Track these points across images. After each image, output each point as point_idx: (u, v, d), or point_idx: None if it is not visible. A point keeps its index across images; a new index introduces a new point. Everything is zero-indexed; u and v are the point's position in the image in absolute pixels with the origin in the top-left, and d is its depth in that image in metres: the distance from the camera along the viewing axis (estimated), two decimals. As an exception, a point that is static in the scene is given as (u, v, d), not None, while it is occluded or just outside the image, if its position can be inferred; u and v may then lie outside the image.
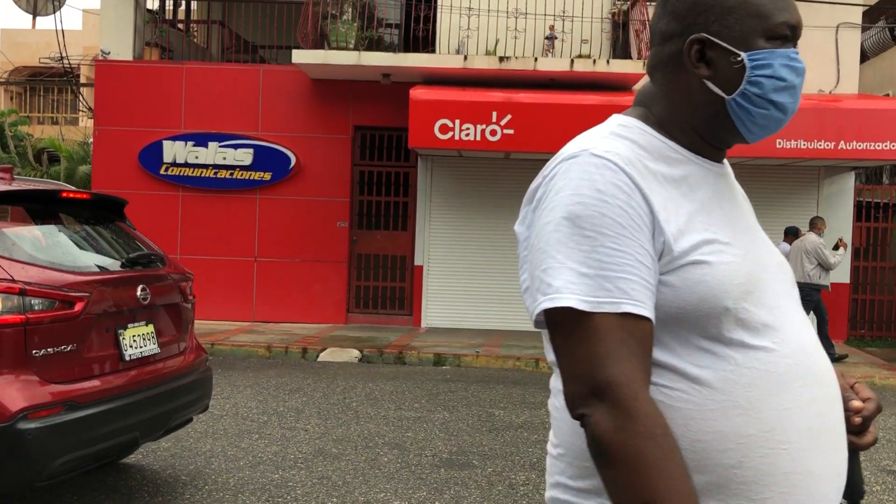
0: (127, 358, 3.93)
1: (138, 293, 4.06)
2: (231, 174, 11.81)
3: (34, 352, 3.42)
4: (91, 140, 13.29)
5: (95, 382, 3.71)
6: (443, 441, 5.78)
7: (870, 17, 15.67)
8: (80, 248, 4.26)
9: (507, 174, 11.85)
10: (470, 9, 10.99)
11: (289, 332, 11.02)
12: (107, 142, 11.99)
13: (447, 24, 11.15)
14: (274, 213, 11.90)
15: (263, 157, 11.79)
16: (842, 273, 11.58)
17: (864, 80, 13.88)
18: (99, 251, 4.35)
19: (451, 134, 10.27)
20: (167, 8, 13.80)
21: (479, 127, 10.20)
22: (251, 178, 11.81)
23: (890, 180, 13.97)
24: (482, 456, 5.42)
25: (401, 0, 12.01)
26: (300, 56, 10.88)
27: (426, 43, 11.47)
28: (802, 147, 10.02)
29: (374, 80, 11.51)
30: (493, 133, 10.21)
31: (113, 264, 4.24)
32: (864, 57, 15.17)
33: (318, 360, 9.53)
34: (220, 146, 11.80)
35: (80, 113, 21.09)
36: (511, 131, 10.19)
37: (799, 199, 11.69)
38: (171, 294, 4.46)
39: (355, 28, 11.19)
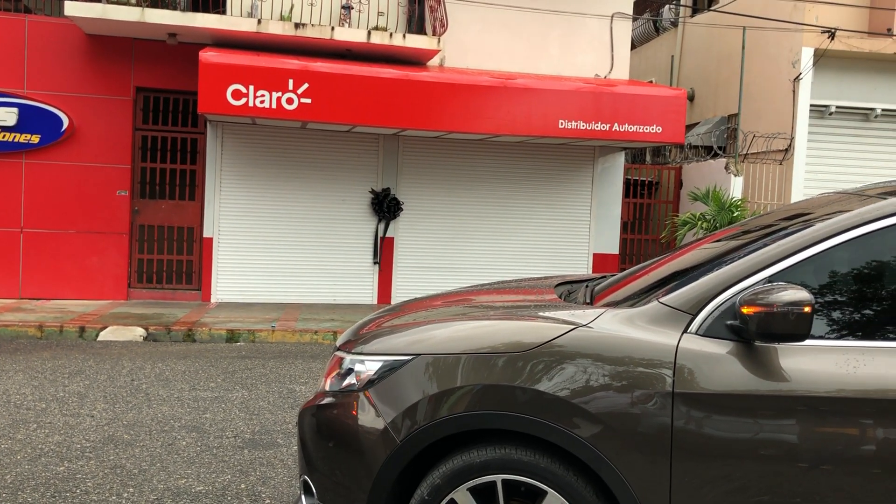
0: None
1: None
2: (-10, 135, 10.57)
3: None
4: None
5: None
6: (244, 421, 5.63)
7: (638, 9, 17.04)
8: None
9: (303, 144, 11.63)
10: (264, -29, 10.57)
11: (63, 309, 10.14)
12: None
13: (239, -15, 10.66)
14: (44, 179, 10.83)
15: (30, 118, 10.66)
16: (612, 244, 12.64)
17: (632, 67, 15.11)
18: None
19: (244, 100, 9.85)
20: None
21: (275, 94, 9.89)
22: (16, 140, 10.64)
23: (652, 160, 15.40)
24: (287, 434, 5.34)
25: (188, -45, 11.28)
26: (73, 8, 9.91)
27: (217, 2, 10.90)
28: (582, 128, 10.73)
29: (159, 39, 10.77)
30: (290, 101, 9.94)
31: None
32: (632, 46, 16.51)
33: (99, 339, 8.87)
34: (-23, 103, 10.51)
35: None
36: (308, 100, 9.98)
37: (576, 175, 12.55)
38: None
39: (137, -19, 10.38)
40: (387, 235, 11.89)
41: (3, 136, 10.59)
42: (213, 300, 11.40)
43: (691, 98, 15.62)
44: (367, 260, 11.88)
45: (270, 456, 4.87)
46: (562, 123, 10.67)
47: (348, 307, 11.35)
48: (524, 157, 12.31)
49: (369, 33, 10.58)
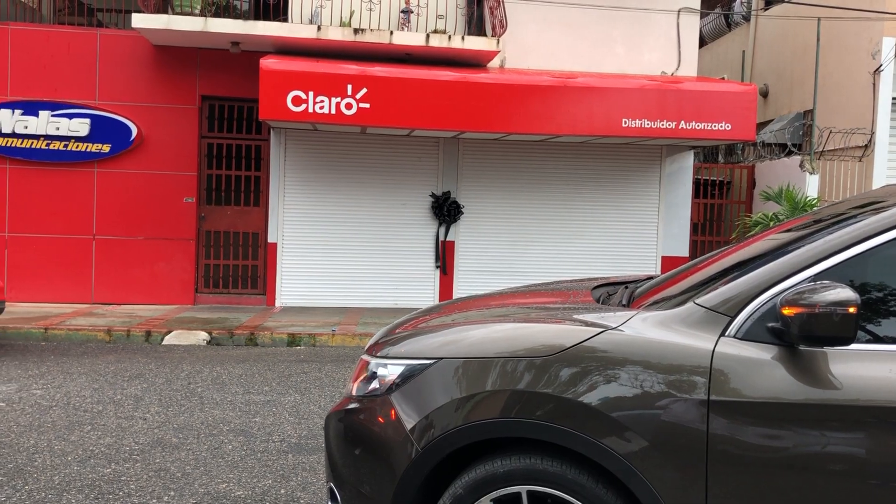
0: None
1: None
2: (65, 146, 10.95)
3: None
4: None
5: None
6: (292, 425, 5.61)
7: (708, 3, 16.54)
8: None
9: (363, 149, 11.67)
10: (323, -22, 10.65)
11: (132, 314, 10.41)
12: (-82, 108, 10.81)
13: (300, -8, 10.77)
14: (114, 187, 11.16)
15: (102, 128, 11.01)
16: (681, 246, 12.24)
17: (702, 64, 14.66)
18: None
19: (304, 106, 9.94)
20: (-12, -39, 12.54)
21: (334, 100, 9.94)
22: (88, 150, 11.00)
23: (724, 159, 14.88)
24: (332, 438, 5.28)
25: (250, -35, 11.48)
26: (141, 20, 10.19)
27: (278, 11, 11.04)
28: (646, 126, 10.42)
29: (222, 48, 10.98)
30: (349, 107, 9.98)
31: None
32: (703, 42, 16.02)
33: (163, 343, 9.06)
34: (53, 115, 10.91)
35: None
36: (367, 105, 9.99)
37: (642, 176, 12.21)
38: None
39: (201, -8, 10.60)
40: (447, 239, 11.80)
41: (77, 146, 10.96)
42: (277, 304, 11.52)
43: (764, 94, 15.05)
44: (428, 264, 11.82)
45: (314, 461, 4.82)
46: (625, 122, 10.39)
47: (410, 311, 11.29)
48: (587, 158, 12.05)
49: (428, 36, 10.53)
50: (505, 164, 11.92)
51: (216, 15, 10.73)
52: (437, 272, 11.81)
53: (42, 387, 6.56)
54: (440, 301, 11.69)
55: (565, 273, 11.57)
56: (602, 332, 2.59)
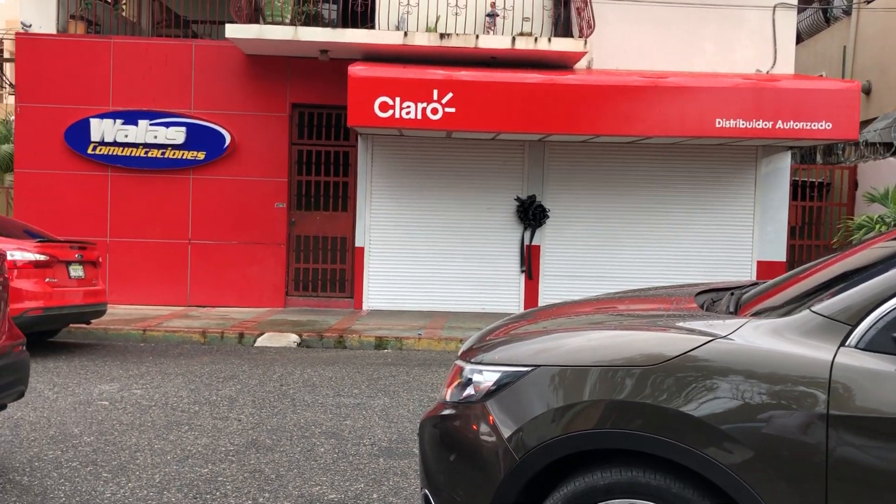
0: None
1: None
2: (163, 153, 11.37)
3: None
4: (13, 118, 12.64)
5: None
6: (382, 429, 5.62)
7: (805, -2, 15.91)
8: None
9: (448, 153, 11.69)
10: (409, -16, 10.72)
11: (225, 316, 10.71)
12: (30, 119, 11.42)
13: (386, -1, 10.88)
14: (208, 193, 11.52)
15: (197, 136, 11.38)
16: (778, 251, 11.78)
17: (800, 62, 14.08)
18: None
19: (391, 112, 10.04)
20: (93, -21, 13.15)
21: (420, 105, 9.99)
22: (184, 157, 11.39)
23: (824, 160, 14.25)
24: (422, 443, 5.27)
25: (338, -26, 11.66)
26: (234, 31, 10.49)
27: (365, 18, 11.18)
28: (741, 126, 10.07)
29: (311, 56, 11.19)
30: (435, 111, 10.01)
31: None
32: (799, 38, 15.40)
33: (256, 345, 9.26)
34: (151, 124, 11.34)
35: (3, 90, 20.13)
36: (452, 109, 10.01)
37: (737, 178, 11.81)
38: None
39: (291, 2, 10.84)
40: (533, 243, 11.69)
41: (173, 154, 11.36)
42: (364, 308, 11.65)
43: (867, 91, 14.35)
44: (513, 268, 11.73)
45: (405, 466, 4.81)
46: (719, 123, 10.07)
47: (495, 316, 11.22)
48: (678, 160, 11.73)
49: (514, 39, 10.47)
50: (592, 166, 11.73)
51: (305, 24, 10.94)
52: (523, 277, 11.71)
53: (142, 387, 6.79)
54: (525, 306, 11.58)
55: (655, 278, 11.29)
56: (710, 340, 2.47)
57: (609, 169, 11.73)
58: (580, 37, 10.60)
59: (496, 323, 3.38)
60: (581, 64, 11.10)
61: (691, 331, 2.57)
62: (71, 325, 9.00)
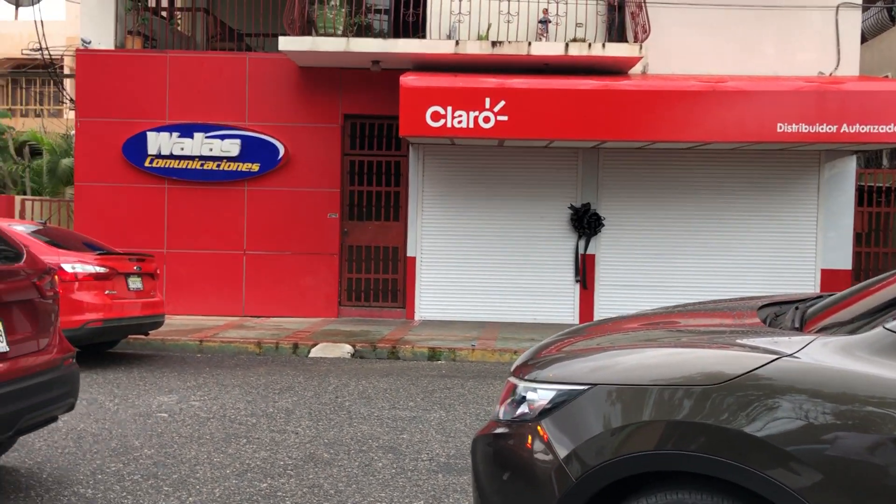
0: None
1: None
2: (218, 166, 11.50)
3: None
4: (73, 132, 12.93)
5: None
6: (440, 443, 5.53)
7: (867, -3, 15.42)
8: None
9: (500, 162, 11.59)
10: (461, -8, 10.67)
11: (279, 326, 10.75)
12: (89, 134, 11.66)
13: (438, 8, 10.84)
14: (263, 205, 11.60)
15: (251, 148, 11.49)
16: (843, 259, 11.38)
17: (863, 62, 13.62)
18: None
19: (443, 121, 9.99)
20: (150, -5, 13.41)
21: (472, 114, 9.93)
22: (239, 169, 11.51)
23: (890, 163, 13.76)
24: (481, 458, 5.15)
25: (390, -16, 11.67)
26: (287, 43, 10.57)
27: (416, 28, 11.16)
28: (804, 131, 9.77)
29: (363, 67, 11.20)
30: (487, 120, 9.93)
31: None
32: (863, 38, 14.92)
33: (310, 355, 9.27)
34: (207, 137, 11.49)
35: (63, 105, 20.69)
36: (505, 118, 9.91)
37: (799, 184, 11.46)
38: (24, 290, 4.28)
39: (343, 14, 10.88)
40: (588, 252, 11.50)
41: (228, 166, 11.48)
42: (416, 318, 11.60)
43: (936, 92, 13.79)
44: (567, 278, 11.55)
45: (464, 482, 4.70)
46: (780, 127, 9.79)
47: (549, 327, 11.07)
48: (738, 166, 11.44)
49: (567, 45, 10.33)
50: (648, 173, 11.50)
51: (357, 35, 10.97)
52: (577, 286, 11.52)
53: (199, 398, 6.81)
54: (580, 316, 11.40)
55: (715, 288, 11.00)
56: (776, 359, 2.35)
57: (666, 175, 11.49)
58: (635, 42, 10.41)
59: (549, 338, 3.29)
60: (636, 69, 10.91)
61: (755, 348, 2.46)
62: (129, 336, 9.12)
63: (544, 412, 2.63)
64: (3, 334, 4.02)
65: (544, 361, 2.85)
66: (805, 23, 11.14)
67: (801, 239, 11.43)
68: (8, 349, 4.03)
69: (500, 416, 2.85)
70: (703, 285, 11.15)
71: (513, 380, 2.88)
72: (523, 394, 2.75)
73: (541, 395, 2.67)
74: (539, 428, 2.61)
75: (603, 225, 11.47)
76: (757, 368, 2.33)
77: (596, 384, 2.55)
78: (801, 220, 11.44)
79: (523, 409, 2.72)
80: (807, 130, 9.78)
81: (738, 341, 2.60)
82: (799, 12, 11.11)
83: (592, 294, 11.53)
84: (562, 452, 2.51)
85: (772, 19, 11.11)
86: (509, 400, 2.83)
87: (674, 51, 11.04)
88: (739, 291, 11.06)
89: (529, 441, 2.64)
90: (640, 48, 10.26)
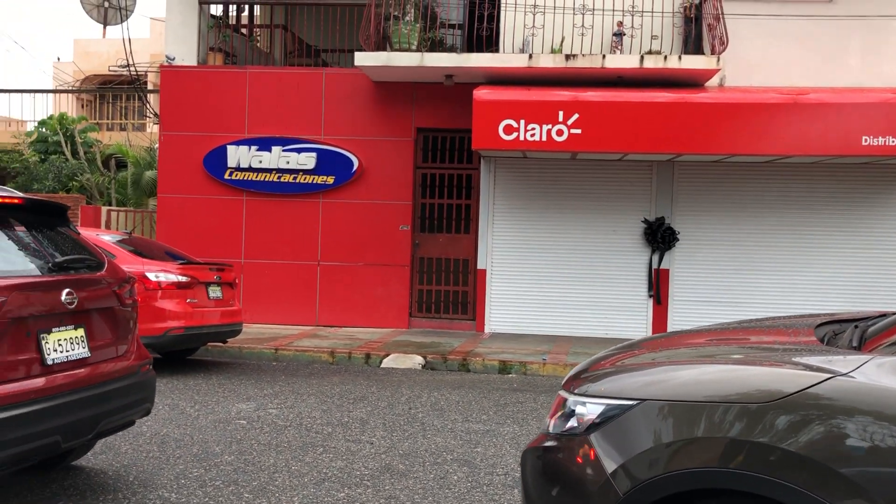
0: (49, 362, 3.91)
1: (63, 297, 4.04)
2: (294, 178, 11.76)
3: None
4: (157, 145, 13.41)
5: (10, 386, 3.68)
6: (514, 458, 5.51)
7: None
8: (5, 253, 4.11)
9: (573, 175, 11.52)
10: (535, 6, 10.69)
11: (352, 336, 10.90)
12: (172, 147, 12.08)
13: (511, 22, 10.88)
14: (336, 216, 11.81)
15: (326, 161, 11.71)
16: (932, 277, 10.91)
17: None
18: (27, 256, 4.25)
19: (515, 135, 10.01)
20: (230, 13, 13.86)
21: (545, 127, 9.91)
22: (314, 181, 11.74)
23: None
24: (556, 475, 5.12)
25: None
26: (362, 58, 10.75)
27: (489, 42, 11.21)
28: (891, 144, 9.43)
29: (436, 81, 11.31)
30: (560, 133, 9.90)
31: (38, 269, 4.16)
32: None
33: (382, 366, 9.36)
34: (284, 150, 11.76)
35: (147, 119, 21.47)
36: (578, 131, 9.87)
37: (883, 198, 11.06)
38: (105, 298, 4.43)
39: (418, 29, 11.02)
40: (661, 267, 11.32)
41: (304, 179, 11.73)
42: (486, 331, 11.60)
43: None
44: (640, 293, 11.39)
45: (540, 498, 4.68)
46: (865, 140, 9.49)
47: (621, 342, 10.91)
48: (819, 180, 11.10)
49: (642, 58, 10.23)
50: (725, 187, 11.27)
51: (431, 50, 11.08)
52: (651, 302, 11.35)
53: (276, 406, 6.96)
54: (653, 332, 11.20)
55: (794, 305, 10.69)
56: (829, 378, 2.33)
57: (744, 190, 11.23)
58: (712, 54, 10.24)
59: (603, 352, 3.32)
60: (713, 81, 10.71)
61: (808, 367, 2.44)
62: (208, 343, 9.38)
63: (593, 426, 2.65)
64: (85, 340, 4.19)
65: (596, 375, 2.87)
66: (892, 33, 10.76)
67: (887, 255, 11.01)
68: (90, 354, 4.20)
69: (550, 430, 2.89)
70: (781, 302, 10.84)
71: (563, 393, 2.91)
72: (572, 407, 2.78)
73: (590, 410, 2.70)
74: (587, 442, 2.64)
75: (677, 239, 11.27)
76: (809, 388, 2.31)
77: (646, 399, 2.56)
78: (889, 235, 11.02)
79: (572, 422, 2.75)
80: (894, 144, 9.43)
81: (792, 359, 2.59)
82: (886, 22, 10.75)
83: (666, 309, 11.34)
84: (609, 467, 2.53)
85: (856, 30, 10.77)
86: (559, 413, 2.86)
87: (752, 63, 10.80)
88: (820, 308, 10.72)
89: (577, 455, 2.67)
90: (718, 60, 10.08)
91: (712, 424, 2.40)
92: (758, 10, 10.71)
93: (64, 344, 4.04)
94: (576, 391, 2.82)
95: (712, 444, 2.38)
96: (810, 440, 2.25)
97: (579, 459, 2.65)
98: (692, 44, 10.71)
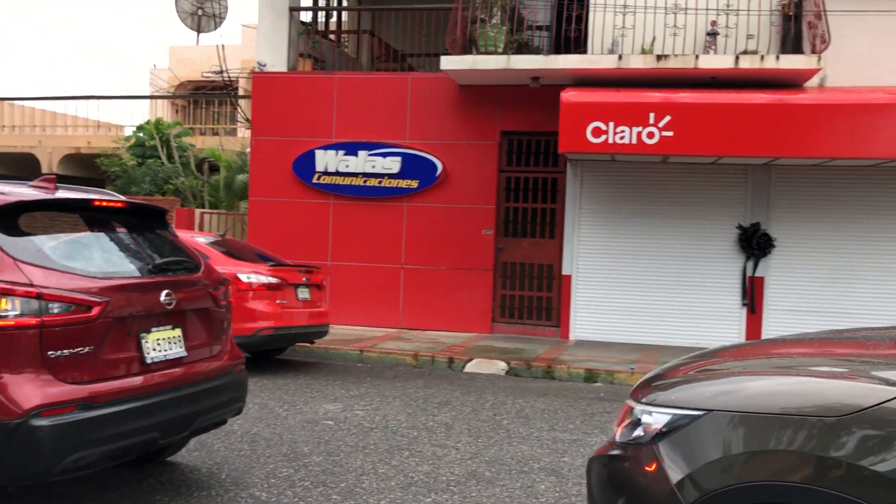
0: (148, 360, 4.02)
1: (162, 298, 4.14)
2: (379, 182, 11.86)
3: (49, 353, 3.55)
4: (248, 150, 13.76)
5: (112, 383, 3.79)
6: (603, 469, 5.37)
7: None
8: (108, 254, 4.28)
9: (663, 178, 11.23)
10: (625, 6, 10.47)
11: (434, 340, 10.90)
12: (263, 151, 12.36)
13: (600, 23, 10.68)
14: (420, 220, 11.84)
15: (411, 165, 11.76)
16: None
17: None
18: (128, 257, 4.38)
19: (604, 137, 9.81)
20: (319, 20, 14.10)
21: (635, 129, 9.68)
22: (399, 185, 11.81)
23: None
24: (648, 488, 4.96)
25: (551, 1, 11.63)
26: (448, 62, 10.75)
27: (577, 44, 11.04)
28: None
29: (522, 84, 11.21)
30: (651, 136, 9.65)
31: (139, 270, 4.28)
32: None
33: (465, 370, 9.32)
34: (370, 155, 11.87)
35: (238, 124, 22.09)
36: (670, 133, 9.60)
37: None
38: (201, 299, 4.52)
39: (504, 31, 10.95)
40: (756, 274, 10.90)
41: (389, 182, 11.81)
42: (571, 337, 11.41)
43: None
44: (733, 301, 10.99)
45: (631, 512, 4.53)
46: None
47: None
48: (860, 185, 10.51)
49: (737, 58, 9.89)
50: (825, 192, 10.77)
51: (517, 52, 11.00)
52: (744, 310, 10.94)
53: (363, 408, 7.00)
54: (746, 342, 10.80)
55: (900, 316, 10.12)
56: None
57: (846, 195, 10.71)
58: (812, 53, 9.81)
59: (674, 361, 3.29)
60: (812, 82, 10.26)
61: (885, 380, 2.34)
62: (296, 343, 9.53)
63: (659, 435, 2.61)
64: (182, 340, 4.28)
65: (664, 384, 2.83)
66: None
67: None
68: (186, 354, 4.29)
69: (616, 438, 2.86)
70: (881, 312, 10.28)
71: (630, 402, 2.89)
72: (639, 416, 2.75)
73: (656, 419, 2.66)
74: (653, 452, 2.60)
75: (774, 246, 10.83)
76: (886, 402, 2.23)
77: (714, 409, 2.51)
78: None
79: (638, 432, 2.72)
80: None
81: (869, 373, 2.52)
82: None
83: (760, 318, 10.91)
84: (674, 477, 2.48)
85: (971, 24, 10.14)
86: (626, 423, 2.83)
87: (857, 61, 10.29)
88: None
89: (643, 464, 2.63)
90: (819, 59, 9.65)
91: (783, 437, 2.35)
92: (864, 7, 10.20)
93: (162, 343, 4.14)
94: (643, 400, 2.80)
95: (782, 457, 2.33)
96: (884, 456, 2.18)
97: (645, 469, 2.63)
98: (791, 43, 10.28)
